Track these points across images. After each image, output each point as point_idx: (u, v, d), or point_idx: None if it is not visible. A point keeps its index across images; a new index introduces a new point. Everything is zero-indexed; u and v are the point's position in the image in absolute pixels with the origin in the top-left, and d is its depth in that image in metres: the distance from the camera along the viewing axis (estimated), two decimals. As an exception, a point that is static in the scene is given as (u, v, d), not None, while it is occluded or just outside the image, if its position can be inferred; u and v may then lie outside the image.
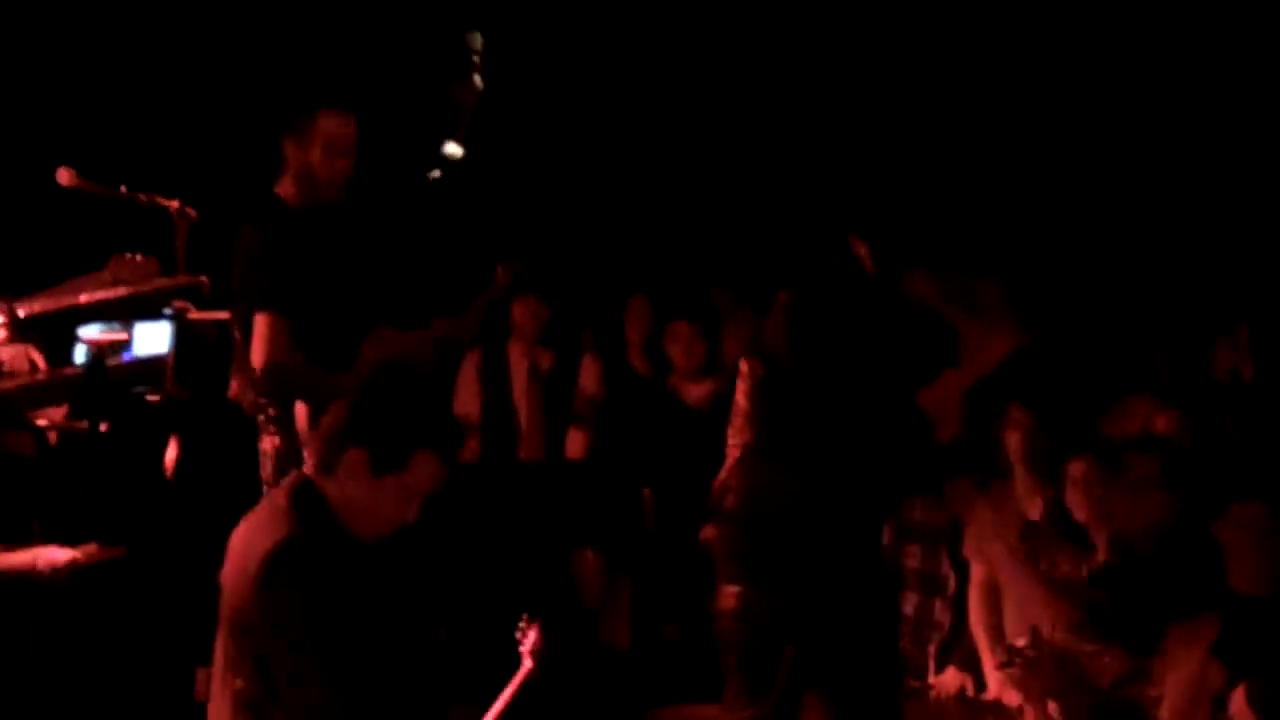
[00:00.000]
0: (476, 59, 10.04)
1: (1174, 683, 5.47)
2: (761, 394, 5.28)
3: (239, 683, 4.25)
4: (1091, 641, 5.64)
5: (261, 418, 6.21)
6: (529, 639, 4.99)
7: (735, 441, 5.38)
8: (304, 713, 4.17)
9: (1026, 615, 6.06)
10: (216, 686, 4.33)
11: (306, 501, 4.32)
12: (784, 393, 5.18)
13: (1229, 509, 5.70)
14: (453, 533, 4.87)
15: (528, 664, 4.87)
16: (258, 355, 6.05)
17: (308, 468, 4.42)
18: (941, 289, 5.15)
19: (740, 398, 5.43)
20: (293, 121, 6.33)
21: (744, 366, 5.47)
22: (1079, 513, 6.40)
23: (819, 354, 5.14)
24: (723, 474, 5.20)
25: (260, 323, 6.05)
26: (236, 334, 6.18)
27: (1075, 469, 6.43)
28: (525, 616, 5.03)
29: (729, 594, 5.28)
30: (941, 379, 5.11)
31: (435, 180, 9.81)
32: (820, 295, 5.19)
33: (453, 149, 10.15)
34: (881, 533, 5.31)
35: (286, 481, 4.44)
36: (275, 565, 4.17)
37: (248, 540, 4.32)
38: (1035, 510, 6.68)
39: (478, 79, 10.06)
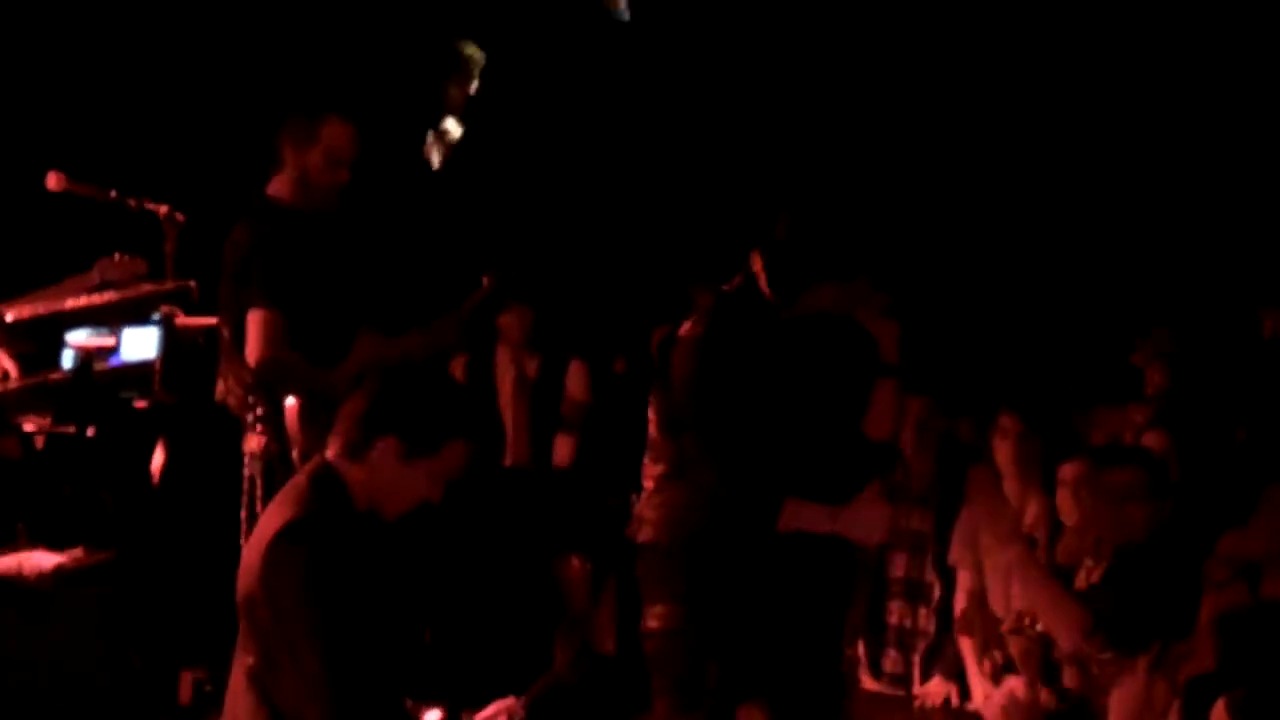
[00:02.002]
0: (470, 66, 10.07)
1: (1117, 701, 5.46)
2: (670, 423, 5.27)
3: (249, 660, 4.36)
4: (1104, 649, 5.63)
5: (249, 417, 6.19)
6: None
7: (649, 472, 5.37)
8: (302, 692, 4.25)
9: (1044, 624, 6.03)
10: (235, 664, 4.43)
11: (325, 485, 4.41)
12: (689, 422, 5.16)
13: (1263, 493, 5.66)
14: (439, 539, 4.88)
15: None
16: (252, 350, 6.04)
17: (330, 453, 4.48)
18: (845, 298, 5.10)
19: (652, 429, 5.42)
20: (293, 123, 6.30)
21: (652, 397, 5.46)
22: (1068, 517, 6.39)
23: (725, 384, 5.10)
24: (639, 506, 5.19)
25: (255, 319, 6.04)
26: (225, 332, 6.16)
27: (1067, 471, 6.42)
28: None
29: (653, 615, 5.27)
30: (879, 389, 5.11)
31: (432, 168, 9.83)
32: (721, 324, 5.14)
33: (453, 127, 10.18)
34: (808, 542, 5.24)
35: (308, 465, 4.53)
36: (281, 544, 4.27)
37: (264, 521, 4.43)
38: (1029, 517, 6.68)
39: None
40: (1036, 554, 6.35)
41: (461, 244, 9.42)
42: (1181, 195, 9.56)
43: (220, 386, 6.31)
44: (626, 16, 10.07)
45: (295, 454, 6.16)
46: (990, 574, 6.60)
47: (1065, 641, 5.78)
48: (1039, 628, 6.03)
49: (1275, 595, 5.47)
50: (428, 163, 10.33)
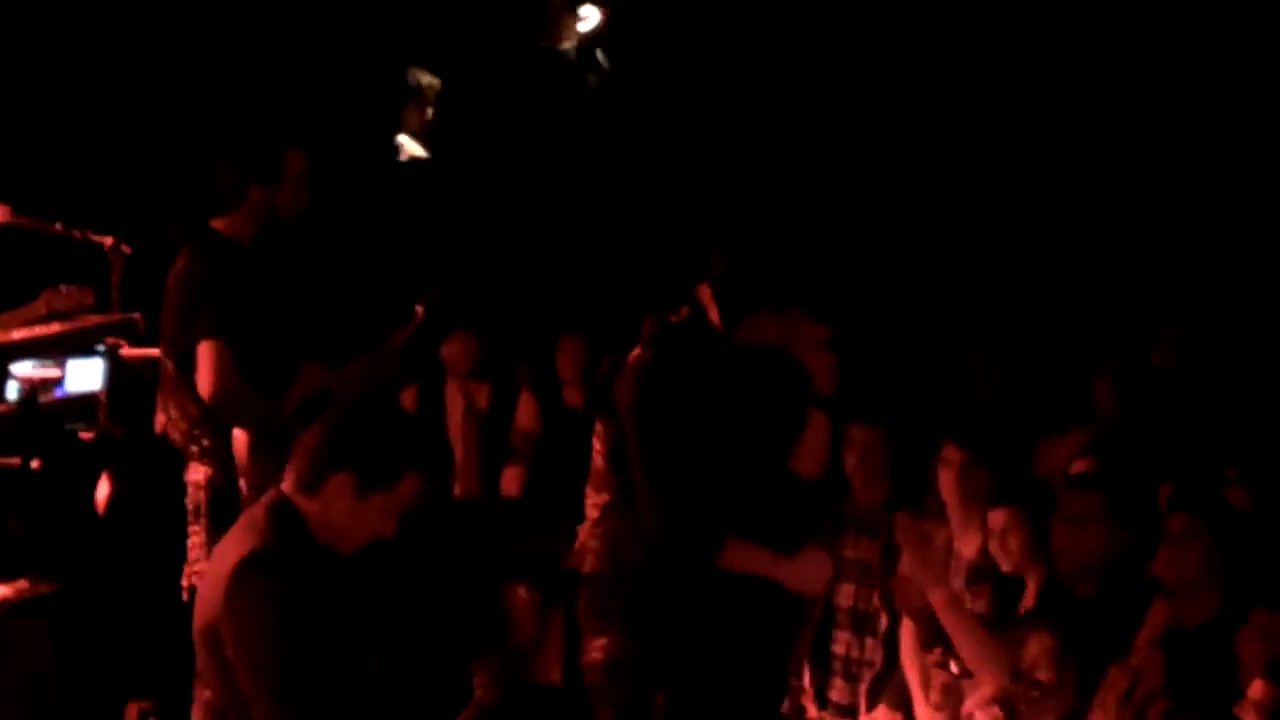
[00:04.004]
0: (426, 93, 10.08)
1: None
2: (616, 453, 5.27)
3: (207, 693, 4.36)
4: (1031, 688, 5.65)
5: (194, 449, 6.18)
6: (485, 672, 4.98)
7: (593, 501, 5.37)
8: None
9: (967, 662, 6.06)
10: (195, 698, 4.47)
11: (282, 517, 4.40)
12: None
13: (1166, 525, 5.67)
14: (390, 570, 4.88)
15: (480, 695, 4.88)
16: (205, 384, 6.03)
17: (285, 486, 4.47)
18: (781, 328, 5.13)
19: (597, 459, 5.42)
20: (255, 162, 6.27)
21: (599, 426, 5.46)
22: (1004, 563, 6.40)
23: (672, 413, 5.10)
24: (581, 535, 5.21)
25: (207, 351, 6.03)
26: (168, 365, 6.15)
27: (994, 520, 6.44)
28: (482, 651, 5.04)
29: (596, 646, 5.27)
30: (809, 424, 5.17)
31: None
32: (670, 354, 5.15)
33: (413, 146, 10.19)
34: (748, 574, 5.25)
35: (265, 498, 4.51)
36: (243, 575, 4.26)
37: (222, 552, 4.42)
38: (971, 548, 6.70)
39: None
40: (967, 595, 6.38)
41: (408, 272, 9.41)
42: (1132, 220, 9.62)
43: (161, 418, 6.29)
44: (573, 56, 10.08)
45: (244, 485, 6.16)
46: (914, 615, 6.61)
47: (991, 685, 5.82)
48: (954, 669, 6.08)
49: (1195, 621, 5.50)
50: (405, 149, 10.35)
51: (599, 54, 10.22)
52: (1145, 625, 5.60)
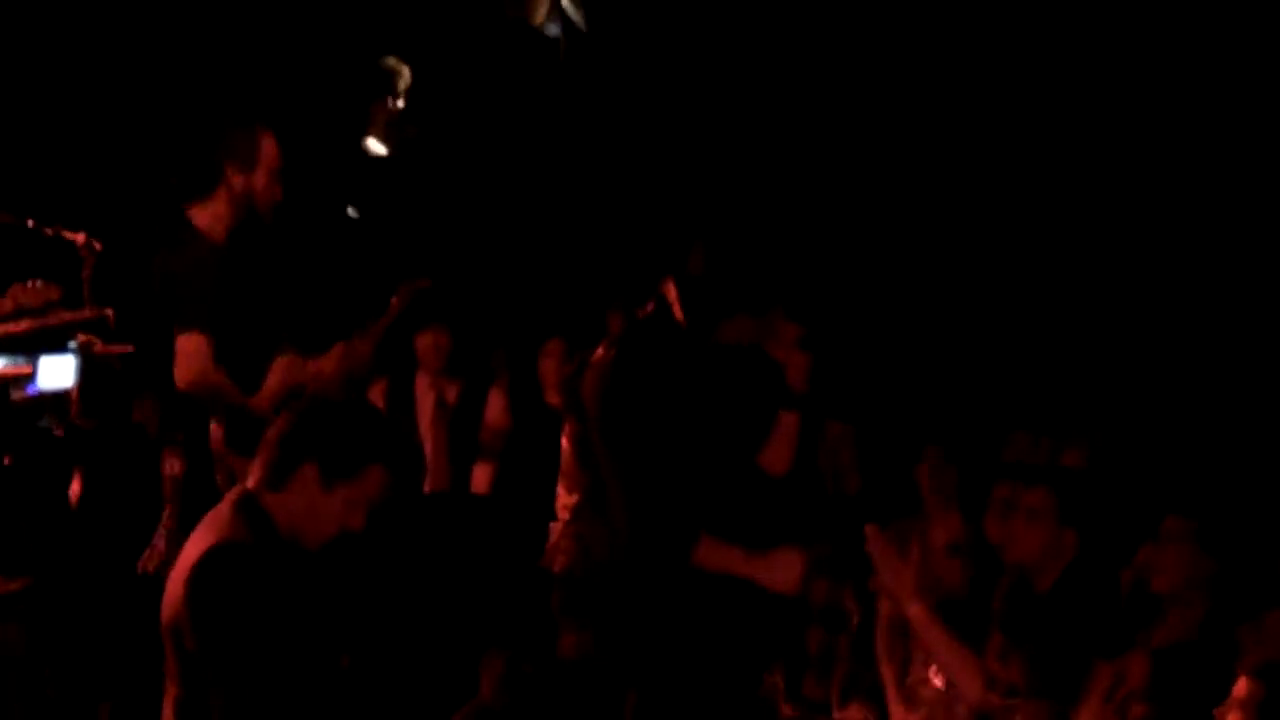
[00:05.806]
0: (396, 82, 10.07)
1: None
2: (584, 450, 5.26)
3: (174, 689, 4.35)
4: (1004, 698, 5.66)
5: (168, 441, 6.18)
6: (493, 668, 4.97)
7: (564, 501, 5.37)
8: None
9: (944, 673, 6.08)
10: (165, 696, 4.40)
11: (247, 513, 4.40)
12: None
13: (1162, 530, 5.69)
14: (359, 566, 4.88)
15: (485, 693, 4.87)
16: (182, 373, 6.02)
17: (250, 482, 4.47)
18: (758, 328, 5.13)
19: (567, 459, 5.41)
20: (233, 144, 6.25)
21: (567, 424, 5.44)
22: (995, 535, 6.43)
23: (633, 411, 5.09)
24: (553, 538, 5.24)
25: (184, 342, 6.02)
26: (146, 358, 6.14)
27: (997, 494, 6.47)
28: (493, 646, 5.03)
29: (569, 644, 5.26)
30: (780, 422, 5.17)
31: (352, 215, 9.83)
32: (635, 351, 5.14)
33: (375, 146, 10.19)
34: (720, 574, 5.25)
35: (230, 494, 4.52)
36: (206, 570, 4.26)
37: (189, 548, 4.40)
38: (939, 542, 6.71)
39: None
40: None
41: (381, 266, 9.40)
42: (1111, 220, 9.62)
43: (138, 411, 6.29)
44: (555, 32, 10.06)
45: (219, 477, 6.15)
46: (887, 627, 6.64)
47: (970, 695, 5.83)
48: (938, 683, 6.11)
49: (1190, 624, 5.51)
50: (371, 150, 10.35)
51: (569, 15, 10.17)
52: (1160, 629, 5.61)
